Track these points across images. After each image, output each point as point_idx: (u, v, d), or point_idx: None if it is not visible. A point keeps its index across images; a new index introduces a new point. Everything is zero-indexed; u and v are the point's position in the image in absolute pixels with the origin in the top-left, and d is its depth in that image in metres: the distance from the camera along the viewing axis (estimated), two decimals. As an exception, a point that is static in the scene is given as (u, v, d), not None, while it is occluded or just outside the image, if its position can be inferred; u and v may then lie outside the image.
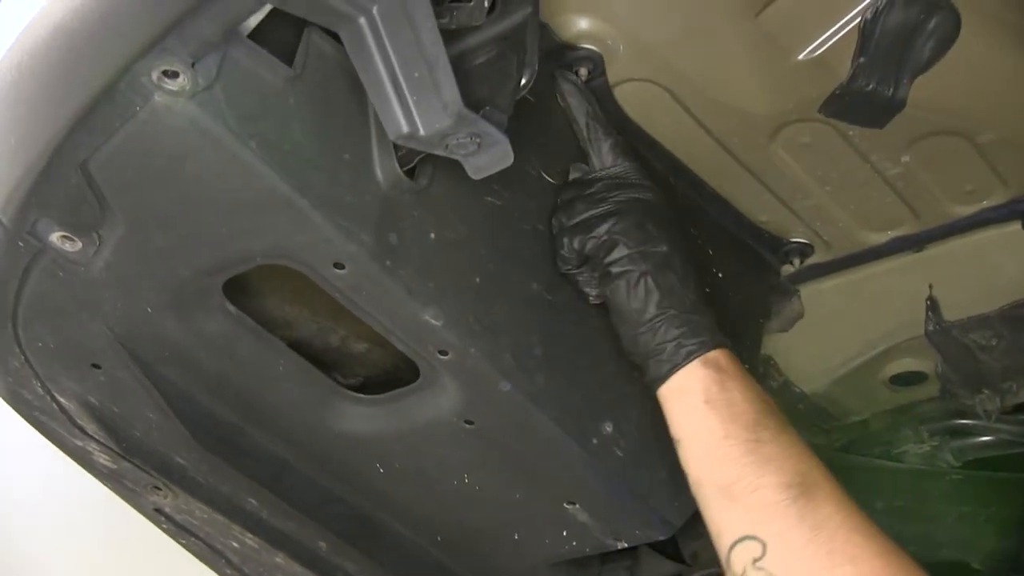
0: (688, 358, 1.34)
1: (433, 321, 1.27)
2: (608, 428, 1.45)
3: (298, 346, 1.52)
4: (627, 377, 1.47)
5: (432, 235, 1.27)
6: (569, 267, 1.41)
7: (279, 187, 1.13)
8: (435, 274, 1.27)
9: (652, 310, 1.35)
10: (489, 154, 1.18)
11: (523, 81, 1.23)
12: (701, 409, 1.32)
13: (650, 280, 1.35)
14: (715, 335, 1.36)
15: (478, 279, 1.32)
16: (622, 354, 1.43)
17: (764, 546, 1.25)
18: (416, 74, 1.09)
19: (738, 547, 1.27)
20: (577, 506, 1.51)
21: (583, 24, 1.41)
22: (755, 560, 1.25)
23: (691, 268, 1.39)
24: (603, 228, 1.37)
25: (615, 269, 1.36)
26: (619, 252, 1.36)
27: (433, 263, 1.27)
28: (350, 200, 1.19)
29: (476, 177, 1.21)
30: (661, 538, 1.57)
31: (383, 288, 1.24)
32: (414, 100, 1.10)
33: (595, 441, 1.43)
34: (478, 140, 1.15)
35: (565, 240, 1.40)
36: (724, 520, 1.30)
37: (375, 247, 1.21)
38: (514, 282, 1.37)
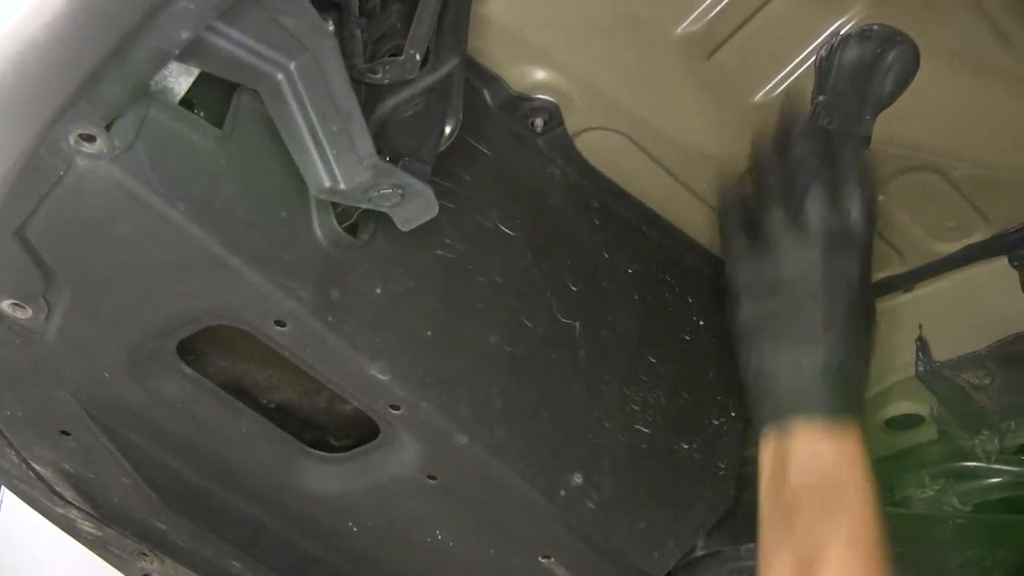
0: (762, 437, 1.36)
1: (380, 376, 1.27)
2: (578, 479, 1.43)
3: (286, 409, 1.53)
4: (598, 428, 1.46)
5: (378, 289, 1.28)
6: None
7: (211, 247, 1.14)
8: (381, 329, 1.27)
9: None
10: (414, 205, 1.18)
11: (447, 131, 1.23)
12: (763, 487, 1.35)
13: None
14: (780, 419, 1.34)
15: (429, 332, 1.32)
16: (591, 404, 1.42)
17: None
18: (334, 128, 1.10)
19: None
20: (552, 560, 1.49)
21: (536, 75, 1.42)
22: None
23: None
24: None
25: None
26: None
27: (379, 318, 1.27)
28: (287, 257, 1.20)
29: (404, 229, 1.21)
30: (642, 591, 1.54)
31: (327, 344, 1.24)
32: (334, 154, 1.11)
33: (563, 493, 1.41)
34: (400, 191, 1.15)
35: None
36: None
37: (315, 303, 1.21)
38: (469, 334, 1.36)
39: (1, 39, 1.05)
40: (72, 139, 1.04)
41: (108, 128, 1.05)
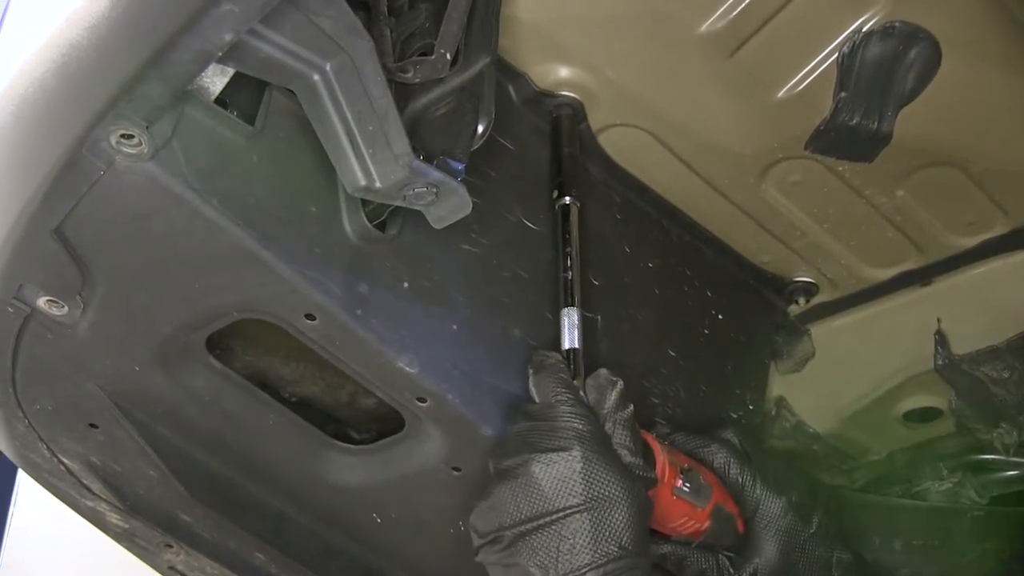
0: None
1: (408, 368, 1.28)
2: None
3: (308, 402, 1.54)
4: None
5: (405, 284, 1.29)
6: None
7: (243, 241, 1.15)
8: (409, 322, 1.29)
9: None
10: (448, 203, 1.19)
11: (480, 130, 1.24)
12: None
13: None
14: None
15: (455, 326, 1.33)
16: None
17: None
18: (370, 128, 1.11)
19: None
20: None
21: (561, 72, 1.44)
22: None
23: None
24: None
25: None
26: None
27: (407, 311, 1.29)
28: (317, 252, 1.21)
29: (438, 227, 1.23)
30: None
31: (355, 337, 1.25)
32: (370, 153, 1.12)
33: None
34: (435, 190, 1.17)
35: None
36: None
37: (344, 297, 1.22)
38: (494, 328, 1.37)
39: (44, 42, 1.06)
40: (113, 139, 1.05)
41: (148, 128, 1.06)
